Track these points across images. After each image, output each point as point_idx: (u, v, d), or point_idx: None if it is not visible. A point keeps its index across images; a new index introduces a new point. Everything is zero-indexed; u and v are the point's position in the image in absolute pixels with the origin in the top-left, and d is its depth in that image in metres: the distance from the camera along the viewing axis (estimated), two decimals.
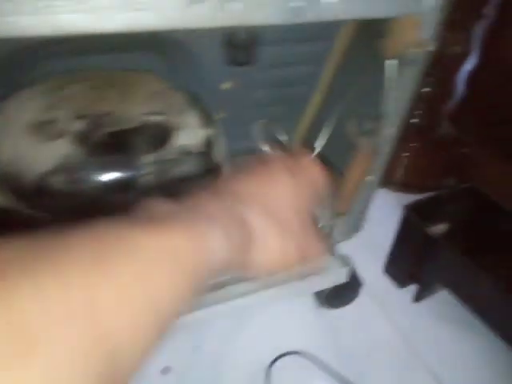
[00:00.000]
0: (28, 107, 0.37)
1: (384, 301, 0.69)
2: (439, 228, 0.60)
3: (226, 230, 0.26)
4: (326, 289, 0.60)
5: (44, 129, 0.35)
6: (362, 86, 0.48)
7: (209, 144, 0.41)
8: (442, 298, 0.67)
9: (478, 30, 0.81)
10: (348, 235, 0.58)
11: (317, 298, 0.65)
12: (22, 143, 0.35)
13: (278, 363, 0.57)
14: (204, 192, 0.28)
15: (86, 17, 0.26)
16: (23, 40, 0.25)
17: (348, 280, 0.59)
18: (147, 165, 0.36)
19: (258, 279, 0.52)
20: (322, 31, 0.50)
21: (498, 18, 0.82)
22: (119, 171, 0.36)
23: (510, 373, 0.59)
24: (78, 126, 0.36)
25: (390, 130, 0.46)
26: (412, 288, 0.69)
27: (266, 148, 0.58)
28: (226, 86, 0.57)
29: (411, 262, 0.66)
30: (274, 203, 0.31)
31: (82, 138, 0.35)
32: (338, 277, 0.58)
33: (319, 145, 0.54)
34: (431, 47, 0.42)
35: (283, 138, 0.58)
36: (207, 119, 0.43)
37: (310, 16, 0.32)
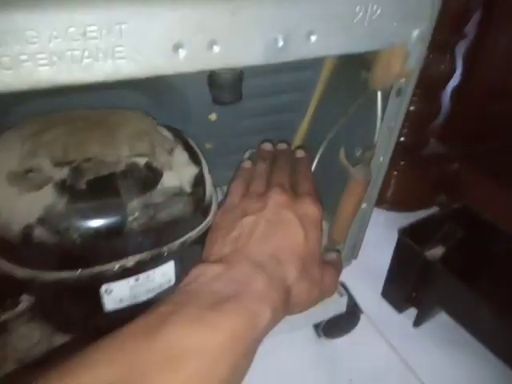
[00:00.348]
0: (7, 155, 0.35)
1: (383, 327, 0.67)
2: (435, 251, 0.59)
3: (274, 305, 0.29)
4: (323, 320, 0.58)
5: (25, 178, 0.34)
6: (352, 115, 0.47)
7: (197, 183, 0.40)
8: (443, 322, 0.66)
9: (461, 49, 0.82)
10: (345, 263, 0.57)
11: (315, 329, 0.63)
12: (2, 195, 0.33)
13: None
14: (248, 262, 0.31)
15: (64, 68, 0.25)
16: None
17: (347, 309, 0.58)
18: (135, 209, 0.35)
19: None
20: (307, 61, 0.49)
21: (477, 36, 0.84)
22: (105, 218, 0.34)
23: None
24: (61, 173, 0.34)
25: (382, 159, 0.46)
26: (411, 312, 0.68)
27: None
28: (213, 117, 0.56)
29: (408, 287, 0.65)
30: (295, 253, 0.34)
31: (65, 186, 0.34)
32: (337, 307, 0.57)
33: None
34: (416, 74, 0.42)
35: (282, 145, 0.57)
36: (194, 157, 0.42)
37: (293, 55, 0.32)
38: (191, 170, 0.40)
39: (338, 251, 0.51)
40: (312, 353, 0.63)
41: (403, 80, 0.40)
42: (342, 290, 0.56)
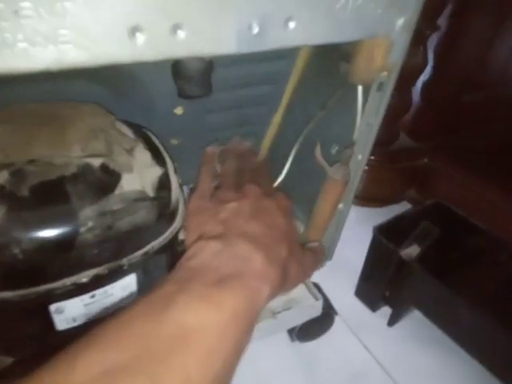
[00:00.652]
0: None
1: (357, 326, 0.66)
2: (410, 250, 0.58)
3: (273, 283, 0.30)
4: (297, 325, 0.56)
5: None
6: (329, 110, 0.44)
7: (161, 186, 0.35)
8: (416, 320, 0.65)
9: (433, 41, 0.80)
10: (318, 265, 0.54)
11: (288, 333, 0.60)
12: None
13: None
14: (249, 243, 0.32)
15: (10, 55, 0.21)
16: None
17: (322, 312, 0.55)
18: (88, 219, 0.30)
19: None
20: (282, 51, 0.46)
21: (449, 29, 0.82)
22: (53, 229, 0.29)
23: None
24: (0, 178, 0.29)
25: (360, 157, 0.43)
26: (385, 310, 0.66)
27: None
28: (179, 111, 0.52)
29: (383, 286, 0.63)
30: (283, 234, 0.35)
31: (5, 194, 0.29)
32: (313, 311, 0.54)
33: (283, 172, 0.50)
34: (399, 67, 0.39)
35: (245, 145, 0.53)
36: (158, 156, 0.37)
37: (270, 43, 0.28)
38: (155, 172, 0.36)
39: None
40: (287, 356, 0.60)
41: (385, 73, 0.37)
42: (317, 293, 0.54)
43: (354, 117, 0.40)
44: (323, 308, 0.55)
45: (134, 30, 0.23)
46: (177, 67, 0.28)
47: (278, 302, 0.52)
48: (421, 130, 0.95)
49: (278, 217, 0.36)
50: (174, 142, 0.54)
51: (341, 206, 0.47)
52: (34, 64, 0.22)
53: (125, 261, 0.33)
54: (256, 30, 0.27)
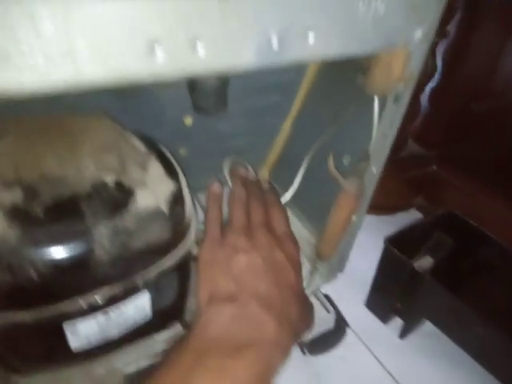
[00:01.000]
0: None
1: (369, 338, 0.64)
2: (423, 262, 0.57)
3: (286, 348, 0.33)
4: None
5: None
6: (342, 122, 0.43)
7: (175, 201, 0.35)
8: (429, 332, 0.64)
9: (442, 48, 0.80)
10: (331, 277, 0.54)
11: (299, 346, 0.59)
12: None
13: None
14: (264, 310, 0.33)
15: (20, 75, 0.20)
16: None
17: (334, 325, 0.54)
18: (102, 236, 0.30)
19: None
20: None
21: (458, 36, 0.82)
22: (68, 249, 0.29)
23: None
24: (11, 196, 0.28)
25: (374, 170, 0.42)
26: (396, 322, 0.65)
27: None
28: (188, 120, 0.51)
29: (394, 297, 0.62)
30: (293, 292, 0.36)
31: (17, 212, 0.28)
32: (324, 324, 0.53)
33: (295, 184, 0.49)
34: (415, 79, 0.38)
35: (251, 174, 0.52)
36: (171, 170, 0.37)
37: (289, 57, 0.27)
38: (168, 186, 0.35)
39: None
40: (298, 368, 0.59)
41: (401, 85, 0.37)
42: (328, 306, 0.53)
43: (368, 128, 0.40)
44: (335, 321, 0.54)
45: (151, 45, 0.22)
46: (194, 83, 0.28)
47: None
48: (429, 136, 0.94)
49: (288, 274, 0.37)
50: (182, 151, 0.53)
51: (354, 218, 0.46)
52: (51, 83, 0.21)
53: (139, 278, 0.33)
54: (275, 43, 0.26)
